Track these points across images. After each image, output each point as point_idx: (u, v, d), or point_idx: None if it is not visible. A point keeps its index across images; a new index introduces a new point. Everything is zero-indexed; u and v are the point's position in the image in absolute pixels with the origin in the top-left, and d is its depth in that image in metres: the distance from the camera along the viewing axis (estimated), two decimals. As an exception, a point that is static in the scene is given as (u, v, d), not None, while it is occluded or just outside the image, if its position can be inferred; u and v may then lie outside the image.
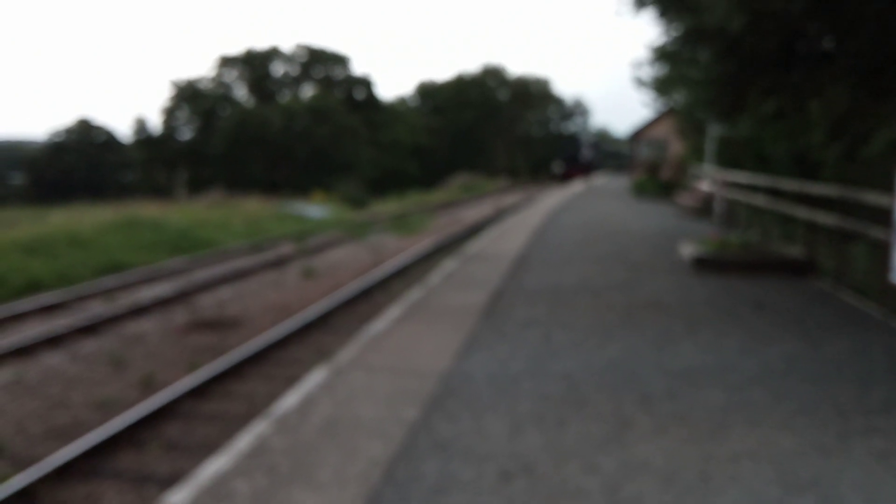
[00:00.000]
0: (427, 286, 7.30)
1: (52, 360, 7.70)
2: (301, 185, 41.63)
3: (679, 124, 20.92)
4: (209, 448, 5.06)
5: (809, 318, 5.92)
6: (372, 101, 62.42)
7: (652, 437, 3.38)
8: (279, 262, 14.47)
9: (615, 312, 6.06)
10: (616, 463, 3.11)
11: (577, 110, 75.91)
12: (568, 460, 3.14)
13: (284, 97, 59.59)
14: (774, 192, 9.58)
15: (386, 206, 31.15)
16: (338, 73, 62.54)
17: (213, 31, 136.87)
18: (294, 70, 62.13)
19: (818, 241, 8.00)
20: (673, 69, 13.81)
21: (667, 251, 9.87)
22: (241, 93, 60.40)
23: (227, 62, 59.61)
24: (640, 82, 19.44)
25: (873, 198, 6.27)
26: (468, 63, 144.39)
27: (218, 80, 58.96)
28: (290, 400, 3.91)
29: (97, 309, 10.09)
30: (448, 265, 8.80)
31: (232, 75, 60.11)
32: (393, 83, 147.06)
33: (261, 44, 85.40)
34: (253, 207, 24.72)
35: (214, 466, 3.09)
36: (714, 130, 15.54)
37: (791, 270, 8.04)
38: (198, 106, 55.96)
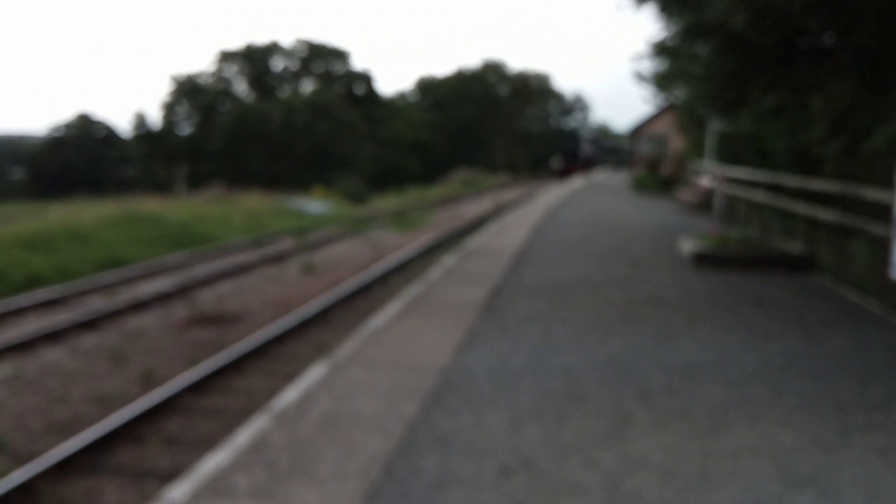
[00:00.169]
0: (427, 281, 7.30)
1: (52, 355, 7.70)
2: (301, 181, 41.53)
3: (679, 120, 20.87)
4: (209, 443, 5.07)
5: (809, 314, 5.92)
6: (372, 96, 62.37)
7: (652, 433, 3.38)
8: (279, 258, 14.47)
9: (615, 308, 6.06)
10: (616, 458, 3.11)
11: (578, 106, 76.00)
12: (568, 455, 3.14)
13: (284, 92, 59.53)
14: (775, 188, 9.57)
15: (386, 202, 31.16)
16: (338, 68, 62.47)
17: (213, 25, 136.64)
18: (294, 65, 62.07)
19: (818, 237, 8.00)
20: (673, 65, 13.76)
21: (667, 247, 9.87)
22: (241, 88, 60.41)
23: (226, 57, 59.57)
24: (640, 77, 19.44)
25: (873, 193, 6.27)
26: (468, 58, 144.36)
27: (218, 75, 58.93)
28: (289, 395, 3.91)
29: (97, 304, 10.09)
30: (448, 260, 8.79)
31: (232, 70, 60.09)
32: (393, 78, 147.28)
33: (261, 39, 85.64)
34: (253, 202, 24.72)
35: (214, 461, 3.09)
36: (714, 126, 15.52)
37: (791, 266, 8.03)
38: (198, 101, 55.95)
